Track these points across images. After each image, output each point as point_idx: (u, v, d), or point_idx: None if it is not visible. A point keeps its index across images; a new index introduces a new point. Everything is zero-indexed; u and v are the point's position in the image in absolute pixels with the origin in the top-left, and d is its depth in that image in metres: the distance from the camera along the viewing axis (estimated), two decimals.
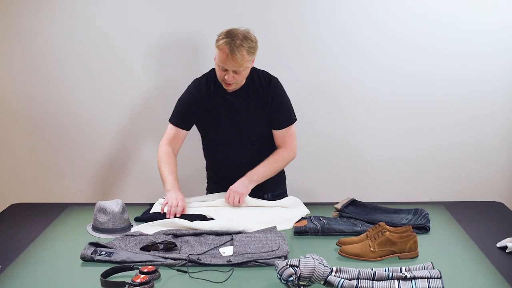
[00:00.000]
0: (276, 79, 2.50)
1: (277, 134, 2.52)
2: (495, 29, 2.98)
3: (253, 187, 2.44)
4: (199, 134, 2.63)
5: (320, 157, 3.24)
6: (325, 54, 3.07)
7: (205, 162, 2.73)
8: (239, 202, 2.40)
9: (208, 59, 2.82)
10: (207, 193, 2.72)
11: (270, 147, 2.57)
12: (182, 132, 2.53)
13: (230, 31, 2.30)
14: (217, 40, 2.30)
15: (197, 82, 2.51)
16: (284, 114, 2.50)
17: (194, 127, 2.60)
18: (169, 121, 2.53)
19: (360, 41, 3.03)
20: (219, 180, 2.67)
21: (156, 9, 3.02)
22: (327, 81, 3.11)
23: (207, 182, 2.77)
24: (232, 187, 2.42)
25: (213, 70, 2.48)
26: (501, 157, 3.18)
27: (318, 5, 2.99)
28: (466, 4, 2.96)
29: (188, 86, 2.53)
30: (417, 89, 3.09)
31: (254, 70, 2.47)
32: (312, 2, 2.99)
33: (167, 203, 2.31)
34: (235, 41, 2.25)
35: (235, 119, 2.47)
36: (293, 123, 2.53)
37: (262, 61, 2.87)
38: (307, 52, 3.07)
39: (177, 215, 2.28)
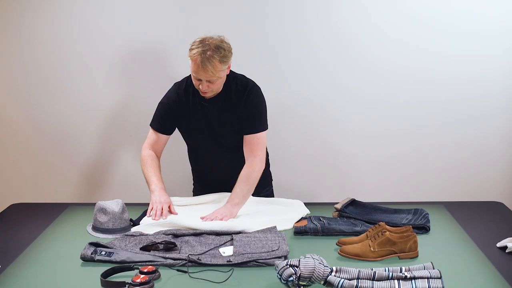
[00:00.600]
0: (254, 84, 2.43)
1: (246, 139, 2.41)
2: (495, 29, 2.98)
3: (238, 210, 2.33)
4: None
5: (320, 157, 3.24)
6: (324, 54, 3.07)
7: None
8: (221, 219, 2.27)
9: None
10: (193, 195, 2.72)
11: None
12: (162, 136, 2.50)
13: (203, 40, 2.24)
14: (190, 50, 2.24)
15: (176, 86, 2.48)
16: (255, 119, 2.41)
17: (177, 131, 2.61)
18: (150, 125, 2.51)
19: (360, 41, 3.03)
20: (203, 183, 2.67)
21: (156, 9, 3.02)
22: (327, 81, 3.11)
23: (193, 184, 2.77)
24: (216, 211, 2.31)
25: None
26: (501, 157, 3.18)
27: (316, 6, 2.99)
28: (466, 4, 2.96)
29: (168, 90, 2.50)
30: (417, 89, 3.09)
31: (232, 76, 2.41)
32: (310, 2, 2.99)
33: (152, 208, 2.31)
34: (206, 52, 2.19)
35: (213, 126, 2.44)
36: (263, 131, 2.43)
37: (259, 62, 2.89)
38: (307, 53, 3.07)
39: (163, 218, 2.27)
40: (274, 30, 3.03)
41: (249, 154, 2.41)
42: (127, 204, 2.29)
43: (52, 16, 3.04)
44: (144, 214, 2.38)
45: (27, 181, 3.33)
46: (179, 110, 2.45)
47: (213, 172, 2.56)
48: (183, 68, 3.03)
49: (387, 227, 1.96)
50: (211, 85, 2.29)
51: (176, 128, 2.54)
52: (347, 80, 3.10)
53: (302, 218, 2.26)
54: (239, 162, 2.43)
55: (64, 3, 3.02)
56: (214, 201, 2.47)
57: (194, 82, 2.32)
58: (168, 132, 2.52)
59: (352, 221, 2.20)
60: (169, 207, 2.34)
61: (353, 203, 2.38)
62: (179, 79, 2.54)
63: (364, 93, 3.12)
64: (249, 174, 2.37)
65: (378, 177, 3.25)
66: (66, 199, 3.27)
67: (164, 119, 2.47)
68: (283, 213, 2.36)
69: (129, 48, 3.08)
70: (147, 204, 2.51)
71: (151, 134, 2.51)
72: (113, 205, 2.20)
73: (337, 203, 2.35)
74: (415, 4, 2.97)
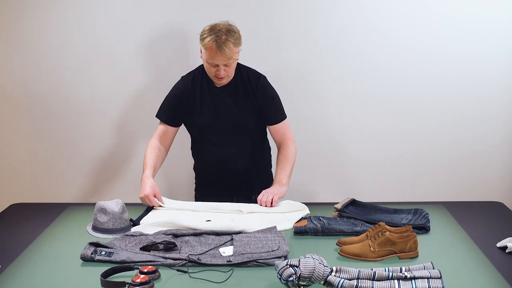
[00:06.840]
0: (265, 77, 2.54)
1: (276, 128, 2.55)
2: (495, 29, 2.98)
3: (286, 190, 2.46)
4: (188, 136, 2.64)
5: (320, 157, 3.24)
6: (324, 54, 3.07)
7: (193, 162, 2.74)
8: (271, 204, 2.38)
9: None
10: (195, 194, 2.73)
11: (256, 142, 2.62)
12: (170, 128, 2.56)
13: (212, 27, 2.34)
14: (202, 39, 2.33)
15: (183, 79, 2.56)
16: (278, 109, 2.55)
17: (183, 129, 2.61)
18: (156, 116, 2.57)
19: (359, 41, 3.03)
20: (207, 178, 2.68)
21: (152, 3, 3.01)
22: (326, 82, 3.11)
23: (195, 183, 2.77)
24: (265, 190, 2.43)
25: (200, 67, 2.51)
26: (501, 157, 3.18)
27: (318, 6, 2.99)
28: (466, 4, 2.96)
29: (175, 83, 2.58)
30: (417, 89, 3.09)
31: (242, 67, 2.52)
32: (312, 2, 2.99)
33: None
34: (220, 37, 2.30)
35: (223, 112, 2.50)
36: (286, 117, 2.58)
37: (260, 60, 2.88)
38: (306, 53, 3.07)
39: (157, 202, 2.39)
40: (272, 29, 3.03)
41: (280, 140, 2.56)
42: (127, 204, 2.29)
43: (52, 13, 3.04)
44: (144, 213, 2.38)
45: (27, 181, 3.33)
46: (187, 100, 2.50)
47: (220, 161, 2.57)
48: (184, 65, 3.03)
49: (387, 227, 1.96)
50: (228, 69, 2.38)
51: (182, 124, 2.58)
52: (346, 81, 3.10)
53: (302, 218, 2.26)
54: (246, 149, 2.56)
55: (63, 2, 3.02)
56: (211, 209, 2.44)
57: (209, 70, 2.40)
58: (174, 123, 2.56)
59: (352, 221, 2.20)
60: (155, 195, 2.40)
61: (353, 203, 2.38)
62: (179, 76, 2.54)
63: (363, 93, 3.12)
64: (288, 155, 2.52)
65: (378, 177, 3.25)
66: (66, 199, 3.27)
67: (170, 109, 2.54)
68: (283, 213, 2.36)
69: (128, 46, 3.08)
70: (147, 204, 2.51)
71: (159, 126, 2.57)
72: (113, 205, 2.20)
73: (337, 203, 2.35)
74: (415, 5, 2.97)
